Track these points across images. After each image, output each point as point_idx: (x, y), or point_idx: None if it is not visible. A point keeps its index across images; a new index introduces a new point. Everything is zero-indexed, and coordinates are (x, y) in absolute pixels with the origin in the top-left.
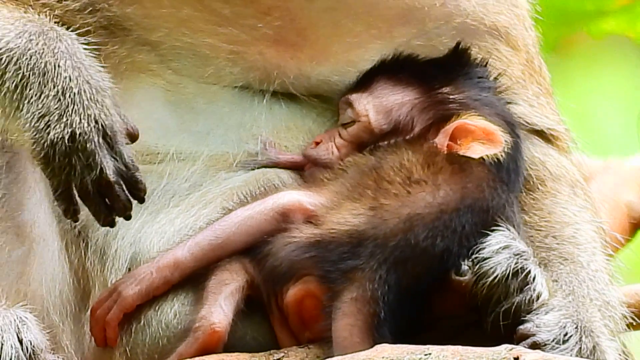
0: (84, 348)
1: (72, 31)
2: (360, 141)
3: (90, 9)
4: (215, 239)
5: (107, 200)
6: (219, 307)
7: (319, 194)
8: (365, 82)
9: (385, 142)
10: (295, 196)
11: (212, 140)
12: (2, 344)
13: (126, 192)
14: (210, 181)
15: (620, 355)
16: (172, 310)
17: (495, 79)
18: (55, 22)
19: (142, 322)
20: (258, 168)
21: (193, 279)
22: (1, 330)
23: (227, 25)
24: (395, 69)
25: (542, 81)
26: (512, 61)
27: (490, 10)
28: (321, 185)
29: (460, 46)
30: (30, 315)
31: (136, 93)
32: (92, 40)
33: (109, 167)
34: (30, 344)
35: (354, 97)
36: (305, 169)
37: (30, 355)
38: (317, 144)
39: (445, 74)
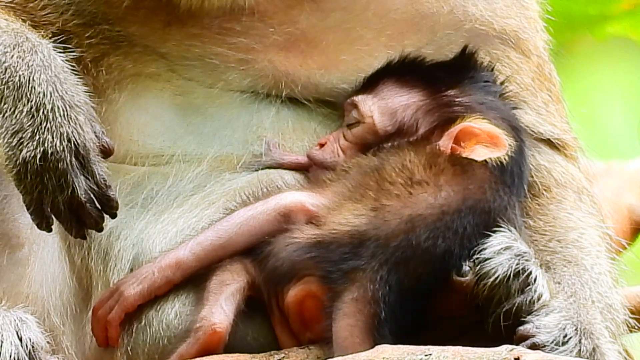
0: (84, 349)
1: (76, 41)
2: (364, 142)
3: (94, 25)
4: (217, 239)
5: (78, 215)
6: (220, 308)
7: (321, 194)
8: (371, 84)
9: (389, 144)
10: (297, 197)
11: (217, 141)
12: (2, 342)
13: (98, 208)
14: (214, 182)
15: (620, 357)
16: (173, 311)
17: (502, 83)
18: (52, 33)
19: (143, 322)
20: (262, 169)
21: (194, 279)
22: (1, 328)
23: (237, 36)
24: (401, 71)
25: (552, 87)
26: (522, 68)
27: (498, 15)
28: (323, 186)
29: (467, 50)
30: (31, 316)
31: (143, 97)
32: (72, 47)
33: (81, 187)
34: (30, 341)
35: (359, 99)
36: (309, 170)
37: (29, 352)
38: (322, 145)
39: (451, 77)
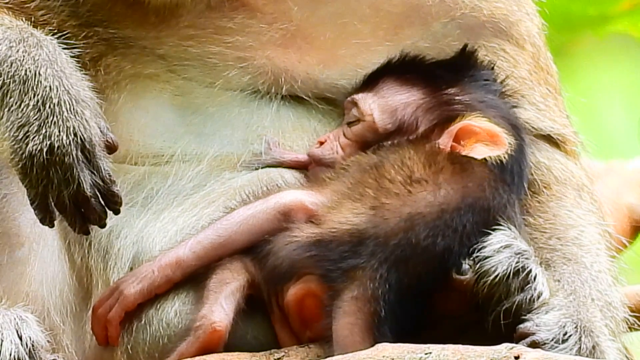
0: (84, 347)
1: (73, 41)
2: (364, 140)
3: (89, 26)
4: (217, 238)
5: (82, 210)
6: (220, 306)
7: (320, 193)
8: (371, 82)
9: (389, 142)
10: (297, 195)
11: (218, 141)
12: (2, 340)
13: (102, 204)
14: (214, 181)
15: (620, 355)
16: (173, 309)
17: (502, 82)
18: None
19: (143, 320)
20: (262, 168)
21: (194, 278)
22: (1, 327)
23: (233, 35)
24: (402, 70)
25: (549, 79)
26: (518, 61)
27: None
28: (323, 185)
29: (467, 48)
30: (31, 315)
31: (143, 97)
32: (76, 44)
33: (86, 181)
34: (30, 339)
35: (359, 97)
36: (309, 169)
37: (29, 350)
38: (322, 143)
39: (451, 76)
